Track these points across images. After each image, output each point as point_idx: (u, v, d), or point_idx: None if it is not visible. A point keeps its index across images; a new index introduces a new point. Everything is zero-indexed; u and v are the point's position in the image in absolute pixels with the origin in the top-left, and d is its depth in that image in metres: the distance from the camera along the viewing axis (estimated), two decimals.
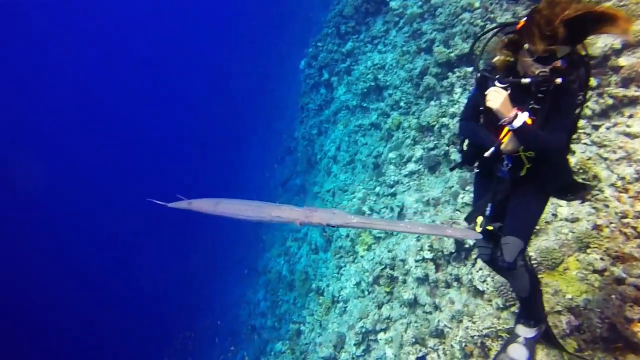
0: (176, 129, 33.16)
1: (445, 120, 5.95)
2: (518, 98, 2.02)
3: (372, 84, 8.02)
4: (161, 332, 17.23)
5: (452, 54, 5.87)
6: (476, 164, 2.46)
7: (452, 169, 2.71)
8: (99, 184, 30.07)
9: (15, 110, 31.89)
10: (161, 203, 4.14)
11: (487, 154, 2.16)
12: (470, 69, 5.79)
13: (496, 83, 2.08)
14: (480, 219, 2.48)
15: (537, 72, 1.87)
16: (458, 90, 5.85)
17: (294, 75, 16.51)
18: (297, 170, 14.08)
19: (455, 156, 5.63)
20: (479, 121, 2.29)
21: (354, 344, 5.81)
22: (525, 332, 2.63)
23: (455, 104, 5.80)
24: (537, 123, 2.01)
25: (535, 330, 2.61)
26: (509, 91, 2.03)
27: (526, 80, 1.92)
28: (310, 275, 8.55)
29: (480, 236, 2.18)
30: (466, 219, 2.62)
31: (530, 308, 2.60)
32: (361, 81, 8.24)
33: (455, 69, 5.93)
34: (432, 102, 6.38)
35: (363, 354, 5.76)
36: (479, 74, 2.25)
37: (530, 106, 2.01)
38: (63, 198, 29.23)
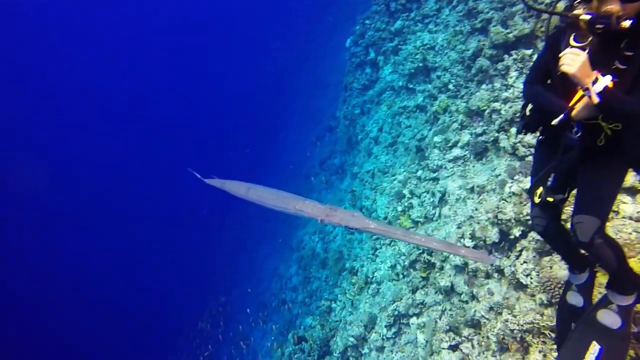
0: (217, 108, 33.59)
1: (496, 105, 5.61)
2: (599, 59, 1.77)
3: (420, 64, 7.69)
4: (197, 300, 18.01)
5: (511, 35, 5.47)
6: (540, 130, 2.22)
7: (518, 133, 2.47)
8: (141, 161, 31.24)
9: (45, 108, 32.65)
10: (199, 176, 4.27)
11: (555, 122, 1.92)
12: (529, 51, 5.39)
13: (571, 42, 1.84)
14: (539, 190, 2.29)
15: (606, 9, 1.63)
16: (514, 74, 5.48)
17: (338, 54, 16.25)
18: (336, 149, 14.00)
19: (505, 143, 5.33)
20: (546, 83, 2.06)
21: (385, 326, 5.79)
22: (619, 299, 2.37)
23: (509, 88, 5.45)
24: (622, 86, 1.74)
25: (634, 297, 2.35)
26: (587, 51, 1.78)
27: (585, 17, 1.68)
28: (344, 255, 8.56)
29: (495, 260, 2.04)
30: (527, 192, 2.43)
31: (621, 278, 2.33)
32: (409, 61, 7.92)
33: (513, 51, 5.53)
34: (484, 86, 6.04)
35: (394, 336, 5.73)
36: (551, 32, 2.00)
37: (614, 67, 1.76)
38: (112, 179, 30.52)
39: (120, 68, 36.24)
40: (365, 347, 6.09)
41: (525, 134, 2.36)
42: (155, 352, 18.38)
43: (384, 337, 5.80)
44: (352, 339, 6.20)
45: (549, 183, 2.32)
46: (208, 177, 4.11)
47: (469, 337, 4.56)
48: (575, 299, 2.72)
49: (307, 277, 10.94)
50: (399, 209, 6.80)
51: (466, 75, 6.50)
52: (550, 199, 2.26)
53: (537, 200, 2.30)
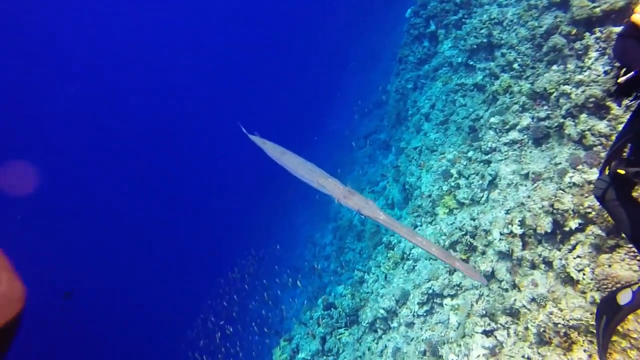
0: (270, 76, 33.45)
1: (567, 88, 5.14)
2: None
3: (485, 40, 7.16)
4: (229, 256, 18.46)
5: (598, 9, 4.90)
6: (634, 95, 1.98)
7: (609, 97, 2.21)
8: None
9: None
10: (245, 131, 4.35)
11: (621, 79, 1.71)
12: (618, 29, 4.82)
13: None
14: (612, 163, 2.09)
15: None
16: (593, 54, 4.95)
17: (396, 26, 15.55)
18: (383, 124, 13.66)
19: (572, 130, 4.90)
20: None
21: (418, 303, 5.72)
22: None
23: (585, 70, 4.94)
24: None
25: None
26: None
27: None
28: (381, 229, 8.48)
29: (485, 282, 2.03)
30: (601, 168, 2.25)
31: None
32: (472, 36, 7.40)
33: (597, 28, 4.97)
34: (555, 67, 5.53)
35: (425, 314, 5.66)
36: None
37: None
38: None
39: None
40: (395, 321, 6.08)
41: (617, 98, 2.09)
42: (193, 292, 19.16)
43: (415, 314, 5.75)
44: (382, 311, 6.20)
45: (625, 154, 2.10)
46: (252, 134, 4.21)
47: (506, 325, 4.41)
48: (625, 296, 2.45)
49: (342, 247, 11.00)
50: (445, 188, 6.56)
51: (535, 54, 5.97)
52: (622, 171, 2.03)
53: (606, 172, 2.09)
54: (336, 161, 16.76)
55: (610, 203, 2.19)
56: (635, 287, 2.31)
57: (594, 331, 3.39)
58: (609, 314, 2.41)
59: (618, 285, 3.29)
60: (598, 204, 2.36)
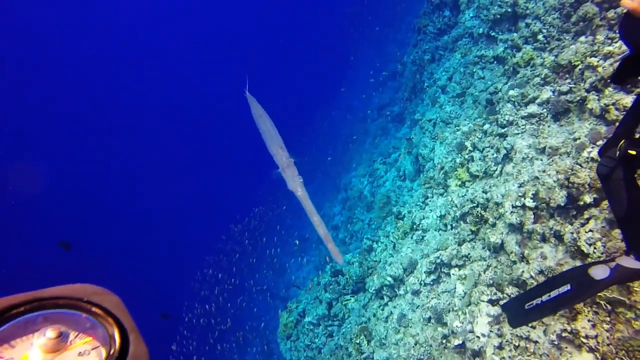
0: (282, 45, 32.64)
1: (593, 61, 4.95)
2: None
3: (509, 10, 6.86)
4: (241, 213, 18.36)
5: None
6: None
7: (611, 80, 2.13)
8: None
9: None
10: (247, 87, 4.47)
11: None
12: None
13: None
14: (622, 142, 2.05)
15: None
16: None
17: None
18: (397, 96, 13.41)
19: (595, 105, 4.75)
20: None
21: (425, 272, 5.79)
22: (624, 260, 2.25)
23: (617, 41, 4.73)
24: None
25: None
26: None
27: None
28: (392, 200, 8.49)
29: (342, 262, 2.36)
30: (604, 144, 2.21)
31: (632, 235, 2.21)
32: (496, 5, 7.09)
33: None
34: (582, 38, 5.30)
35: (432, 283, 5.74)
36: None
37: None
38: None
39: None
40: (402, 289, 6.18)
41: (618, 82, 2.02)
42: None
43: (422, 282, 5.83)
44: (389, 279, 6.30)
45: (637, 134, 2.04)
46: (249, 92, 4.31)
47: (512, 295, 4.45)
48: (600, 272, 2.38)
49: (351, 217, 11.07)
50: (458, 160, 6.49)
51: (562, 24, 5.72)
52: (632, 152, 1.99)
53: (616, 153, 2.04)
54: (348, 132, 16.63)
55: (616, 183, 2.15)
56: (612, 264, 2.31)
57: (601, 303, 3.41)
58: (578, 286, 2.38)
59: None
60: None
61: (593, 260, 2.56)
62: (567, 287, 2.42)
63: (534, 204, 4.59)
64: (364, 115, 15.42)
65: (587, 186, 4.06)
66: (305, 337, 8.39)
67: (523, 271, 4.41)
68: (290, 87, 28.52)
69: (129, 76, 32.76)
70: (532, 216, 4.60)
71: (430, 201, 6.89)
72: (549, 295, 2.49)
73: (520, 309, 2.59)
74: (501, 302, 4.52)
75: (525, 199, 4.70)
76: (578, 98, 5.04)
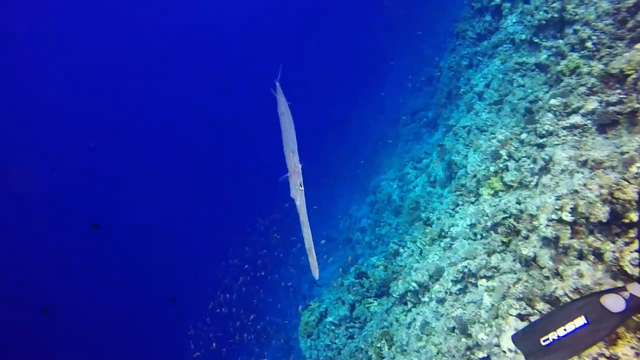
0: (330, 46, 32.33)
1: None
2: None
3: (556, 15, 6.55)
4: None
5: None
6: None
7: None
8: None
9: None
10: (278, 77, 4.40)
11: None
12: None
13: None
14: None
15: None
16: None
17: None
18: (432, 102, 13.14)
19: None
20: None
21: (451, 280, 5.61)
22: (637, 288, 2.11)
23: None
24: None
25: None
26: None
27: None
28: (420, 206, 8.31)
29: (316, 276, 2.48)
30: None
31: None
32: (542, 10, 6.78)
33: None
34: (638, 45, 4.97)
35: (458, 292, 5.55)
36: None
37: None
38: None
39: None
40: (426, 296, 6.02)
41: None
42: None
43: (448, 291, 5.65)
44: (414, 285, 6.15)
45: None
46: (278, 81, 4.25)
47: (543, 312, 4.22)
48: (614, 302, 2.22)
49: (378, 221, 10.95)
50: (492, 169, 6.25)
51: (616, 31, 5.38)
52: None
53: None
54: (379, 135, 16.47)
55: None
56: (626, 295, 2.16)
57: None
58: (594, 319, 2.20)
59: None
60: None
61: (603, 289, 2.37)
62: (583, 319, 2.24)
63: (572, 218, 4.34)
64: (397, 118, 15.21)
65: (634, 203, 3.79)
66: (325, 336, 8.36)
67: (556, 287, 4.18)
68: (324, 86, 28.43)
69: (151, 74, 33.32)
70: (569, 231, 4.35)
71: (460, 209, 6.68)
72: (565, 330, 2.30)
73: (536, 344, 2.39)
74: (531, 319, 4.31)
75: (562, 212, 4.45)
76: (629, 110, 4.72)
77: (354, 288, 8.27)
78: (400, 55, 20.02)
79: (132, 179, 29.14)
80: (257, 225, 15.20)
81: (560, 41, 6.42)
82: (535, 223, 4.77)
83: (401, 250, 7.58)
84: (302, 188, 2.97)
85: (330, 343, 8.19)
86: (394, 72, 19.77)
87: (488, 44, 8.56)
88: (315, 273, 2.61)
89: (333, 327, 8.33)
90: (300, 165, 3.08)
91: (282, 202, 16.06)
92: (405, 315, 6.33)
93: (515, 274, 4.82)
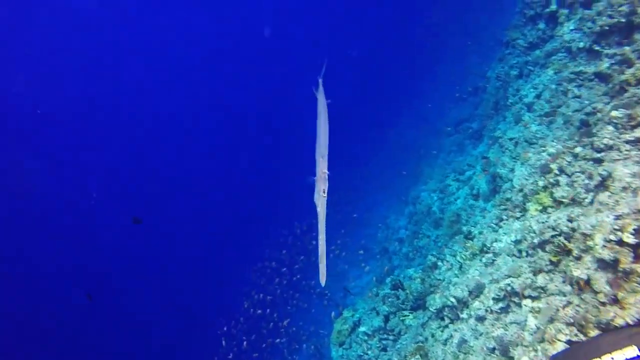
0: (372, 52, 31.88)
1: None
2: None
3: (622, 20, 6.06)
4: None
5: None
6: None
7: None
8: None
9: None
10: (321, 74, 4.26)
11: None
12: None
13: None
14: None
15: None
16: None
17: (506, 8, 14.04)
18: (477, 112, 12.66)
19: None
20: None
21: (493, 298, 5.30)
22: None
23: None
24: None
25: None
26: None
27: None
28: (462, 219, 7.97)
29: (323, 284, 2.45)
30: None
31: None
32: (605, 16, 6.31)
33: None
34: None
35: (500, 311, 5.22)
36: None
37: None
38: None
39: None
40: (465, 312, 5.73)
41: None
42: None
43: (488, 309, 5.34)
44: (452, 300, 5.87)
45: None
46: (321, 79, 4.10)
47: None
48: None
49: (416, 232, 10.64)
50: (541, 183, 5.87)
51: None
52: None
53: None
54: (420, 144, 16.09)
55: None
56: None
57: None
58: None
59: None
60: None
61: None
62: (635, 351, 1.99)
63: (635, 240, 3.95)
64: (440, 129, 14.80)
65: None
66: (358, 347, 8.18)
67: (615, 316, 3.80)
68: (366, 90, 28.06)
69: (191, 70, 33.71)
70: (631, 254, 3.96)
71: (504, 224, 6.33)
72: (612, 358, 2.03)
73: None
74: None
75: (623, 233, 4.06)
76: None
77: (389, 299, 8.04)
78: (445, 63, 19.50)
79: (175, 180, 30.11)
80: (295, 229, 15.16)
81: (627, 48, 5.95)
82: (590, 243, 4.40)
83: (440, 263, 7.29)
84: (326, 195, 2.94)
85: (362, 354, 8.00)
86: (439, 80, 19.30)
87: (540, 52, 8.11)
88: (322, 280, 2.57)
89: (366, 338, 8.14)
90: (327, 172, 3.06)
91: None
92: (442, 331, 6.05)
93: (565, 296, 4.45)
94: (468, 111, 13.61)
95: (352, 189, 19.51)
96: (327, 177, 3.04)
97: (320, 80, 4.14)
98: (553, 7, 7.77)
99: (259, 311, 13.00)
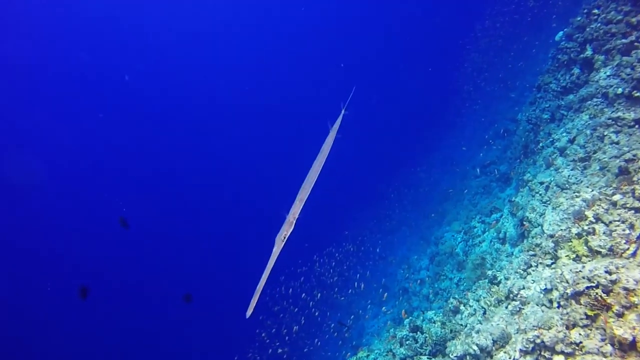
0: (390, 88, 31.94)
1: None
2: None
3: None
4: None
5: None
6: None
7: None
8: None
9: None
10: (346, 103, 4.09)
11: None
12: None
13: None
14: None
15: None
16: None
17: (539, 53, 13.87)
18: (505, 155, 12.26)
19: None
20: None
21: (520, 350, 4.78)
22: None
23: None
24: None
25: None
26: None
27: None
28: (487, 262, 7.48)
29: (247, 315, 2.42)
30: None
31: None
32: None
33: None
34: None
35: None
36: None
37: None
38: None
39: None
40: None
41: None
42: None
43: None
44: (475, 348, 5.35)
45: None
46: (345, 110, 3.92)
47: None
48: None
49: (438, 274, 10.08)
50: (574, 231, 5.43)
51: None
52: None
53: None
54: (446, 185, 15.65)
55: None
56: None
57: None
58: None
59: None
60: None
61: None
62: None
63: None
64: (466, 170, 14.39)
65: None
66: None
67: None
68: (398, 132, 27.95)
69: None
70: None
71: (533, 271, 5.84)
72: None
73: None
74: None
75: None
76: None
77: (407, 342, 7.48)
78: (475, 104, 19.26)
79: (227, 183, 30.02)
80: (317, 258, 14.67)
81: None
82: (635, 300, 3.92)
83: (462, 307, 6.77)
84: (285, 240, 2.87)
85: None
86: (467, 122, 19.04)
87: (574, 97, 7.81)
88: (249, 312, 2.50)
89: None
90: (297, 218, 2.94)
91: (343, 242, 15.42)
92: None
93: (606, 357, 3.94)
94: (495, 153, 13.22)
95: (376, 225, 19.09)
96: (294, 222, 2.93)
97: (342, 112, 4.02)
98: (588, 52, 7.54)
99: (277, 346, 12.50)
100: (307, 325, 13.27)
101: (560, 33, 8.38)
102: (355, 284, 12.65)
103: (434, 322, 7.09)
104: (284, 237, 2.82)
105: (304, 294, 12.80)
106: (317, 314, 12.81)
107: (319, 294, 12.76)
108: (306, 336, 13.33)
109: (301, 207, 3.02)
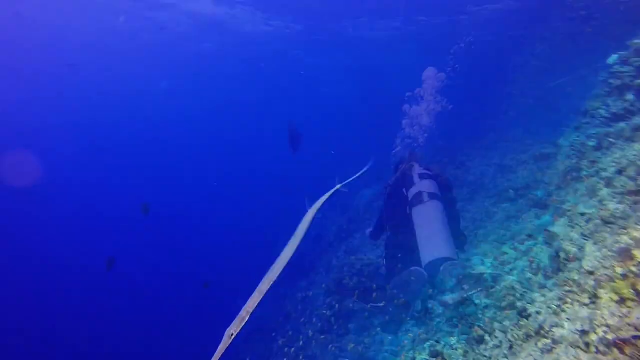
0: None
1: None
2: None
3: None
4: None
5: None
6: None
7: None
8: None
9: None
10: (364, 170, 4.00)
11: None
12: None
13: None
14: None
15: None
16: None
17: (588, 77, 13.14)
18: (543, 180, 11.61)
19: None
20: None
21: None
22: None
23: None
24: None
25: None
26: None
27: None
28: (516, 292, 7.02)
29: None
30: None
31: None
32: None
33: None
34: None
35: None
36: None
37: None
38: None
39: None
40: None
41: None
42: None
43: None
44: None
45: None
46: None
47: None
48: None
49: (464, 298, 9.58)
50: (619, 270, 4.96)
51: None
52: None
53: None
54: (475, 207, 15.02)
55: None
56: None
57: None
58: None
59: None
60: None
61: None
62: None
63: None
64: (500, 192, 13.76)
65: None
66: None
67: None
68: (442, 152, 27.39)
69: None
70: None
71: (568, 308, 5.40)
72: None
73: None
74: None
75: None
76: None
77: None
78: (514, 126, 18.48)
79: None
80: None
81: None
82: None
83: (487, 337, 6.38)
84: (232, 338, 2.73)
85: None
86: (504, 142, 18.26)
87: (627, 125, 7.28)
88: (221, 348, 2.50)
89: None
90: (250, 313, 2.80)
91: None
92: None
93: None
94: (533, 178, 12.56)
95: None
96: (247, 317, 2.81)
97: (340, 187, 3.99)
98: None
99: None
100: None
101: (615, 56, 7.86)
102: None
103: (456, 349, 6.74)
104: (232, 335, 2.68)
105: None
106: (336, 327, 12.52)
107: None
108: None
109: (259, 300, 2.87)
